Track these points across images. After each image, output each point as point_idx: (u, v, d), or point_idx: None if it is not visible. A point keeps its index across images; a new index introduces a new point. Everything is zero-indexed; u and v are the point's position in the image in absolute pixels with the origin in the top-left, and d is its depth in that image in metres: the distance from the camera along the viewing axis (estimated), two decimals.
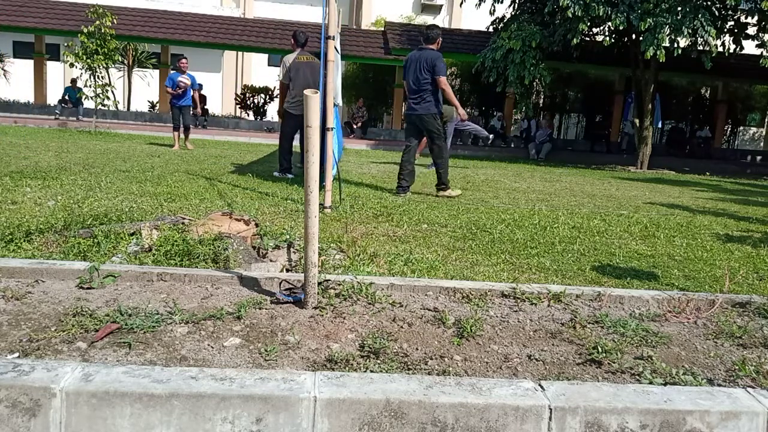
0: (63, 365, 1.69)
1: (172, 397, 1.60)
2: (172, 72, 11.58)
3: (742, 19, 14.47)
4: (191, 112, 11.80)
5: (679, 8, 12.17)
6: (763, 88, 22.84)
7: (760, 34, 14.14)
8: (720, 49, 13.75)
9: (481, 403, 1.68)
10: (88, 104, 16.52)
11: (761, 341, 2.39)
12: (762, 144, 25.89)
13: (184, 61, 11.42)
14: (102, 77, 14.25)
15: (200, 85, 19.29)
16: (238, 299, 2.48)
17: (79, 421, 1.59)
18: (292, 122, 7.15)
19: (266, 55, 24.72)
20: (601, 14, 12.39)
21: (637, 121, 15.16)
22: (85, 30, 13.53)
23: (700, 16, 12.15)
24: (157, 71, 21.26)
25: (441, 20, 25.92)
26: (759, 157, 20.70)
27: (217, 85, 25.83)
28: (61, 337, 2.00)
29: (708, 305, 2.73)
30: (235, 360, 1.94)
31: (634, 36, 13.82)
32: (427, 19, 24.92)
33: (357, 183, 7.14)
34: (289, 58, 7.11)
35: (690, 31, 12.19)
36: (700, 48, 13.31)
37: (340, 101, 5.33)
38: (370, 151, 14.72)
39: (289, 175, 7.27)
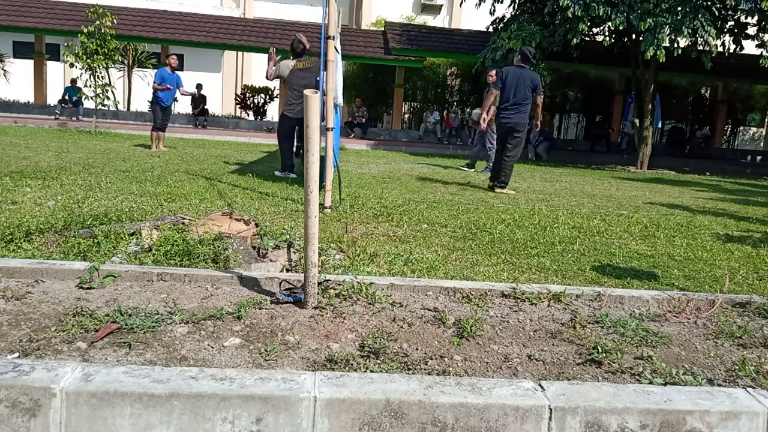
0: (63, 365, 1.69)
1: (172, 397, 1.60)
2: (160, 68, 11.21)
3: (742, 19, 14.45)
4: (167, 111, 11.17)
5: (679, 8, 12.16)
6: (763, 88, 22.82)
7: (760, 34, 14.12)
8: (720, 49, 13.73)
9: (481, 403, 1.68)
10: (88, 104, 16.50)
11: (761, 341, 2.39)
12: (762, 144, 25.87)
13: (173, 57, 11.05)
14: (102, 77, 14.23)
15: (200, 85, 19.34)
16: (238, 299, 2.48)
17: (79, 421, 1.59)
18: (289, 123, 7.32)
19: (266, 55, 24.66)
20: (601, 14, 12.38)
21: (637, 121, 15.16)
22: (85, 30, 13.52)
23: (700, 16, 12.14)
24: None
25: (441, 20, 25.90)
26: (759, 157, 20.69)
27: (217, 85, 25.80)
28: (61, 337, 2.00)
29: (708, 305, 2.73)
30: (235, 360, 1.94)
31: (634, 36, 13.81)
32: (427, 19, 24.92)
33: (357, 183, 7.14)
34: (287, 64, 7.31)
35: (690, 31, 12.18)
36: (700, 48, 13.30)
37: (340, 101, 5.33)
38: (370, 151, 14.71)
39: (292, 175, 7.30)
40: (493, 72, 10.29)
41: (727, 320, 2.57)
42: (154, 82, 10.90)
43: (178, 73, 11.30)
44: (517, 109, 7.11)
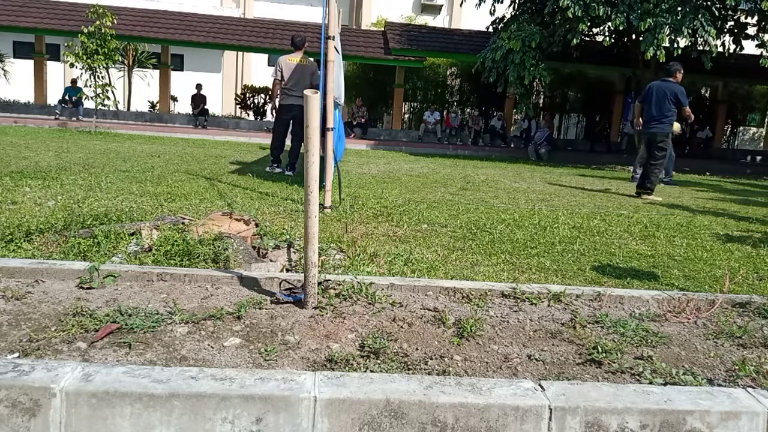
0: (63, 365, 1.69)
1: (172, 397, 1.60)
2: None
3: (742, 19, 14.47)
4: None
5: (679, 8, 12.17)
6: (763, 88, 22.82)
7: (760, 34, 14.13)
8: (720, 49, 13.73)
9: (481, 403, 1.68)
10: (88, 104, 16.51)
11: (761, 341, 2.39)
12: (762, 144, 25.88)
13: None
14: (102, 77, 14.24)
15: (199, 85, 19.35)
16: (238, 299, 2.48)
17: (79, 421, 1.59)
18: (285, 114, 7.56)
19: (266, 55, 24.69)
20: (601, 14, 12.39)
21: None
22: (85, 30, 13.52)
23: (700, 16, 12.14)
24: (157, 71, 21.25)
25: (441, 20, 25.91)
26: (759, 157, 20.69)
27: (217, 85, 25.82)
28: (61, 337, 2.00)
29: (708, 305, 2.73)
30: (235, 360, 1.94)
31: (634, 36, 13.82)
32: (427, 19, 24.93)
33: (357, 183, 7.14)
34: (283, 59, 7.48)
35: (690, 31, 12.19)
36: (700, 48, 13.30)
37: (341, 100, 5.33)
38: (370, 151, 14.71)
39: (277, 169, 7.49)
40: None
41: (727, 320, 2.57)
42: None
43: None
44: (659, 120, 7.63)
